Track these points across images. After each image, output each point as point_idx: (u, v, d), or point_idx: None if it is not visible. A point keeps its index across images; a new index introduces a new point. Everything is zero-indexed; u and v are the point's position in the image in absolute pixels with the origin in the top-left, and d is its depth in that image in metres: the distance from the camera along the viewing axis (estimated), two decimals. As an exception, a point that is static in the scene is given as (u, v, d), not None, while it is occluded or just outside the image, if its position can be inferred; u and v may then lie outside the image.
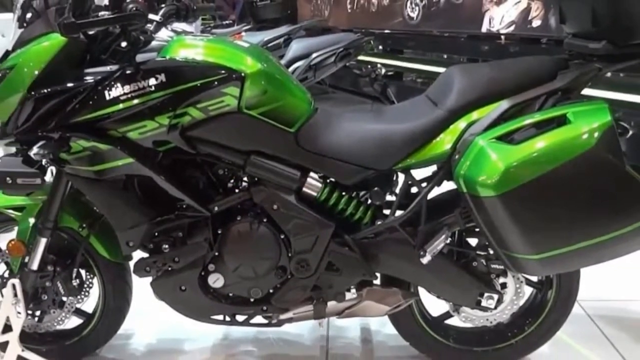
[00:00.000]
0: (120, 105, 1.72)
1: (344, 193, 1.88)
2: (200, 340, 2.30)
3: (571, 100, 1.73)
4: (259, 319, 2.01)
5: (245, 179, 1.90)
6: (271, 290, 1.95)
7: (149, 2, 1.93)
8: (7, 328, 1.98)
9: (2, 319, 1.97)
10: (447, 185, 1.84)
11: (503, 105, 1.72)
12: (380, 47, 6.57)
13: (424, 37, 5.93)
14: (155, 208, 1.87)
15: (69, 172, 1.82)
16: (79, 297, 2.09)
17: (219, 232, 1.89)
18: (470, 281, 1.92)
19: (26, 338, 2.05)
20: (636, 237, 1.66)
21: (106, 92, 1.72)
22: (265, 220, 1.87)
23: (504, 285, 1.97)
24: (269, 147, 1.81)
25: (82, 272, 2.09)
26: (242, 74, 1.72)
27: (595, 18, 1.65)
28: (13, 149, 1.90)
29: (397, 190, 1.90)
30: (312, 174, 1.84)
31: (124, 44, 1.79)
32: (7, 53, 1.84)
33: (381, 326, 2.36)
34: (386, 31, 6.59)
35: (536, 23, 4.28)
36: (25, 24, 1.85)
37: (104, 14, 1.75)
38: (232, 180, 1.92)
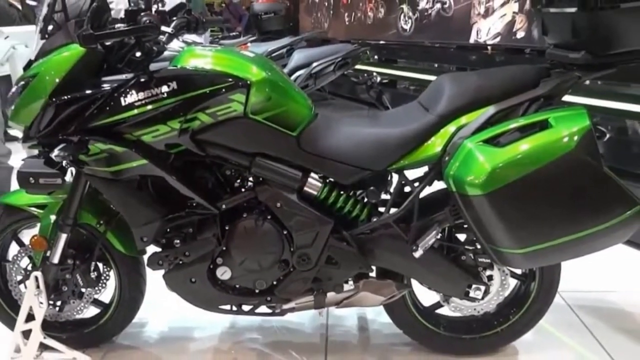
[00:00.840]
0: (135, 111, 1.72)
1: (342, 192, 1.88)
2: (208, 328, 2.30)
3: (553, 106, 1.73)
4: (263, 308, 2.01)
5: (250, 179, 1.89)
6: (275, 282, 1.94)
7: (161, 15, 1.94)
8: (30, 317, 1.98)
9: (26, 309, 1.98)
10: (438, 185, 1.83)
11: (490, 110, 1.72)
12: (376, 57, 6.56)
13: (417, 48, 5.92)
14: (168, 206, 1.87)
15: (88, 172, 1.82)
16: (96, 288, 2.08)
17: (227, 228, 1.89)
18: (459, 274, 1.91)
19: (48, 326, 2.05)
20: (613, 233, 1.66)
21: (122, 99, 1.72)
22: (269, 217, 1.87)
23: (490, 278, 1.96)
24: (272, 150, 1.81)
25: (100, 265, 2.08)
26: (248, 82, 1.72)
27: (575, 30, 1.65)
28: (36, 151, 1.90)
29: (392, 190, 1.90)
30: (312, 174, 1.84)
31: (138, 53, 1.80)
32: (30, 62, 1.85)
33: (377, 315, 2.36)
34: (381, 42, 6.59)
35: (520, 34, 4.28)
36: (47, 36, 1.85)
37: (120, 26, 1.75)
38: (238, 180, 1.92)
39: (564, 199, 1.62)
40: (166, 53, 1.94)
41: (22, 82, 1.78)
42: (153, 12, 1.89)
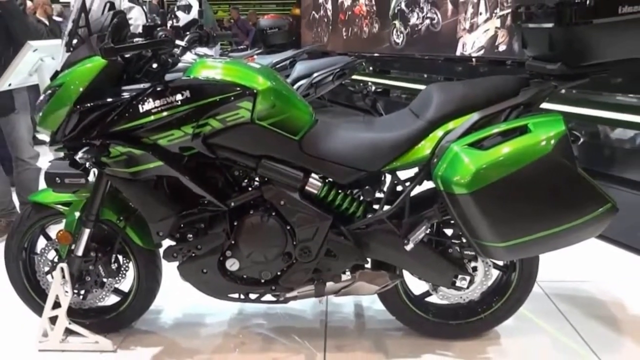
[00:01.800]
0: (152, 117, 1.72)
1: (340, 191, 1.88)
2: (218, 315, 2.30)
3: (531, 112, 1.73)
4: (268, 297, 2.01)
5: (256, 179, 1.90)
6: (279, 273, 1.95)
7: (176, 30, 1.94)
8: (57, 305, 1.99)
9: (53, 297, 1.98)
10: (427, 185, 1.84)
11: (474, 117, 1.72)
12: (371, 68, 6.56)
13: (408, 60, 5.92)
14: (181, 203, 1.87)
15: (109, 173, 1.83)
16: (117, 278, 2.09)
17: (235, 223, 1.89)
18: (446, 265, 1.91)
19: (72, 313, 2.06)
20: (586, 228, 1.66)
21: (140, 106, 1.72)
22: (273, 213, 1.87)
23: (475, 269, 1.97)
24: (277, 152, 1.81)
25: (120, 257, 2.09)
26: (255, 91, 1.72)
27: (552, 43, 1.65)
28: (61, 154, 1.90)
29: (385, 189, 1.90)
30: (313, 174, 1.84)
31: (155, 65, 1.80)
32: (56, 73, 1.85)
33: (371, 303, 2.36)
34: (376, 54, 6.58)
35: (502, 48, 4.27)
36: (71, 49, 1.85)
37: (138, 40, 1.75)
38: (245, 180, 1.92)
39: (541, 197, 1.62)
40: (180, 64, 1.94)
41: (49, 91, 1.78)
42: (168, 28, 1.89)
